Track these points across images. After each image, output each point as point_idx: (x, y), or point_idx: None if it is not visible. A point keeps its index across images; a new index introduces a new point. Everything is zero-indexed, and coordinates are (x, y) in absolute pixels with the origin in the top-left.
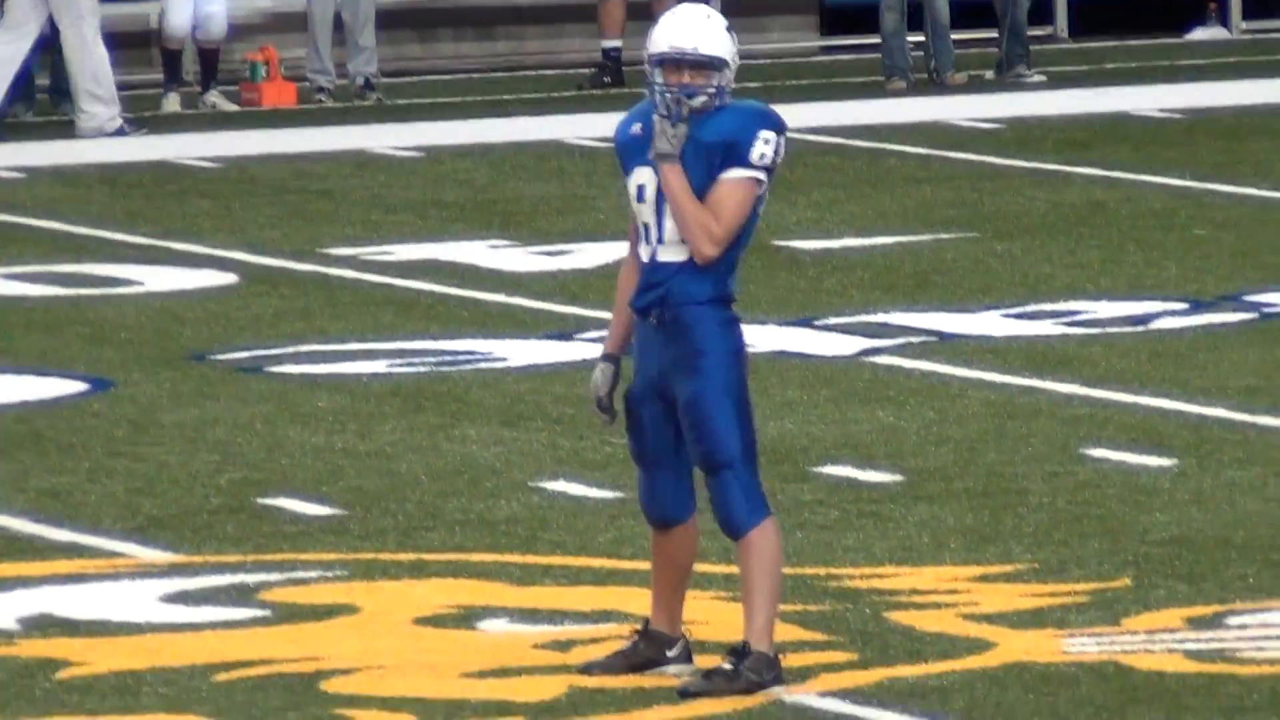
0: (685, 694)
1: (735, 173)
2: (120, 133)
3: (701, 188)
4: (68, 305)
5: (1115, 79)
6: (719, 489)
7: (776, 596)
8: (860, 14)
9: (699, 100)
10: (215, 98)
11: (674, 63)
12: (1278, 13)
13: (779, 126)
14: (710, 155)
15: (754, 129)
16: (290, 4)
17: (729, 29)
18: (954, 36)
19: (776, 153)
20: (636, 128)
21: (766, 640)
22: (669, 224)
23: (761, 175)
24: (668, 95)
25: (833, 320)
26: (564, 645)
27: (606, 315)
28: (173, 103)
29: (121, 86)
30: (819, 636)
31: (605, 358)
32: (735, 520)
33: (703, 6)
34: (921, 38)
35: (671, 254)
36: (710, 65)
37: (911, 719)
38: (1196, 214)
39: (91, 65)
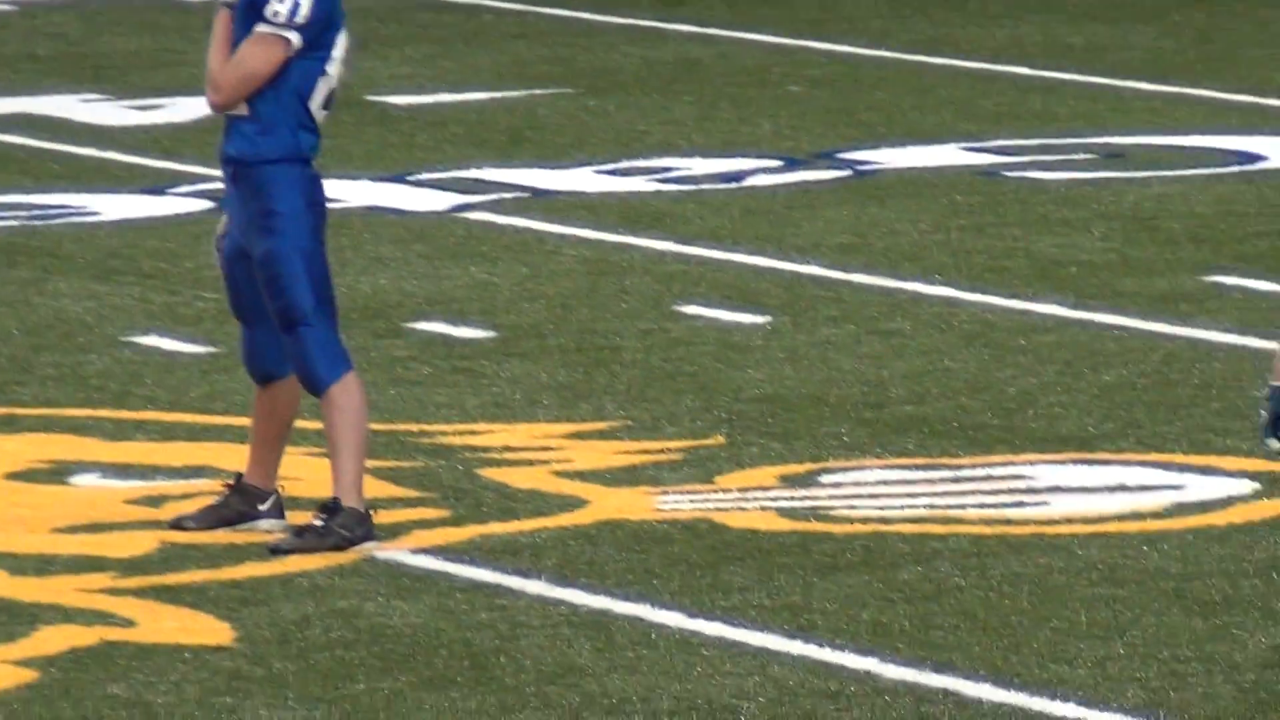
0: (277, 550)
1: (257, 28)
2: None
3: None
4: None
5: None
6: (296, 346)
7: (362, 452)
8: None
9: None
10: None
11: None
12: None
13: None
14: (248, 12)
15: None
16: None
17: None
18: None
19: (295, 11)
20: None
21: (356, 495)
22: None
23: (286, 34)
24: None
25: (425, 176)
26: (156, 500)
27: (200, 170)
28: None
29: None
30: (411, 493)
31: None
32: (314, 377)
33: None
34: None
35: (239, 108)
36: None
37: (504, 576)
38: (791, 71)
39: None
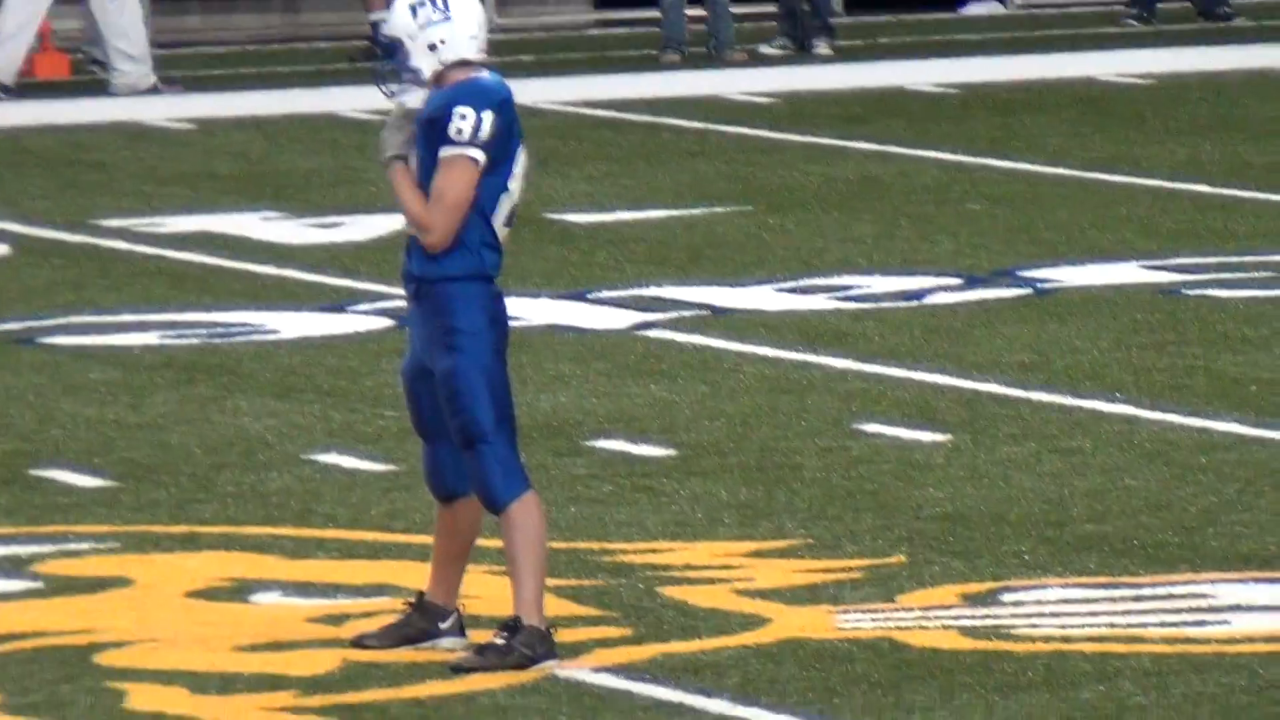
0: (458, 669)
1: (444, 151)
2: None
3: (428, 165)
4: None
5: (890, 54)
6: (475, 464)
7: (542, 570)
8: None
9: (388, 84)
10: None
11: None
12: None
13: (482, 101)
14: (426, 132)
15: (452, 105)
16: None
17: (419, 5)
18: (734, 10)
19: (478, 128)
20: None
21: (537, 614)
22: None
23: (472, 152)
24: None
25: (605, 293)
26: (337, 619)
27: (379, 288)
28: None
29: None
30: (592, 611)
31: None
32: (493, 495)
33: None
34: (702, 12)
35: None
36: (395, 45)
37: (685, 695)
38: (970, 189)
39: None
